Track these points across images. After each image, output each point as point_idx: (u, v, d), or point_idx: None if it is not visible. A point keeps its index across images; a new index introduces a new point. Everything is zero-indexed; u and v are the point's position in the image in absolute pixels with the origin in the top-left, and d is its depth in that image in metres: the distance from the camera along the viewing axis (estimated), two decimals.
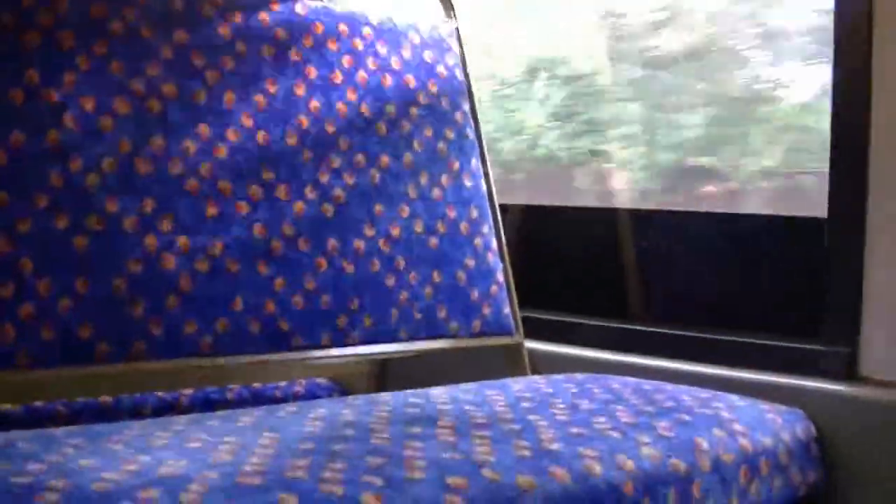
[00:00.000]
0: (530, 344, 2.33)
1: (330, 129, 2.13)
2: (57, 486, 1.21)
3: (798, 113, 2.33)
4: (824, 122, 2.02)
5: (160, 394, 2.14)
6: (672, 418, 1.69)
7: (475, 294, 2.26)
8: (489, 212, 2.35)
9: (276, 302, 1.98)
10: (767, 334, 2.11)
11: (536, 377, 2.10)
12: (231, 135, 1.99)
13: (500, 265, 2.33)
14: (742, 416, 1.76)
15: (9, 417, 1.95)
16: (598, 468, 1.46)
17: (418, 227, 2.21)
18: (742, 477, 1.64)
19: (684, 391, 1.89)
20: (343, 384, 2.44)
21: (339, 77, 2.16)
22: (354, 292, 2.08)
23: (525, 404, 1.76)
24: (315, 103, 2.12)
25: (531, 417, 1.66)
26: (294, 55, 2.11)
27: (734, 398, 1.86)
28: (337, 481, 1.29)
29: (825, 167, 2.01)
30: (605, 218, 2.60)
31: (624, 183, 2.64)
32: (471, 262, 2.27)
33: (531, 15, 2.81)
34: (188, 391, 2.18)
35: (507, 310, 2.31)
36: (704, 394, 1.87)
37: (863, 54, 1.92)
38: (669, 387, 1.93)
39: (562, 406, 1.75)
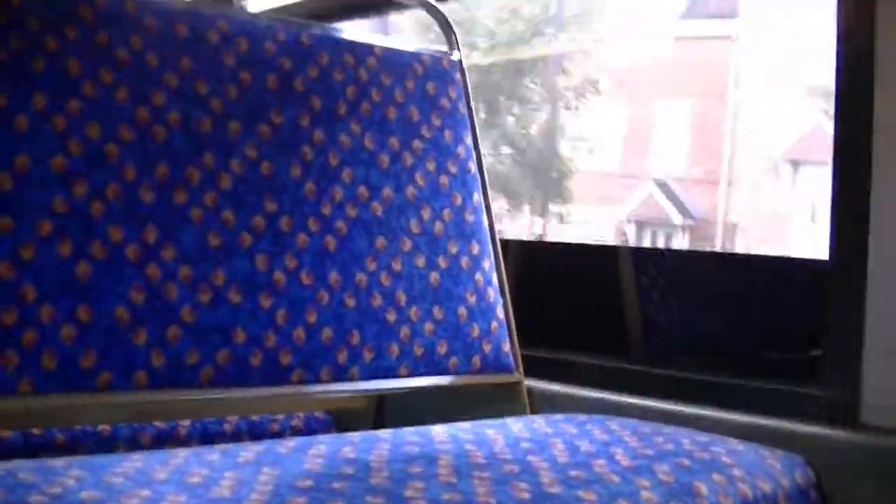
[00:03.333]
0: (530, 382, 2.31)
1: (333, 161, 2.12)
2: None
3: None
4: None
5: (158, 424, 2.13)
6: (671, 462, 1.68)
7: (475, 331, 2.25)
8: (490, 247, 2.34)
9: (278, 334, 1.97)
10: (767, 378, 2.11)
11: (536, 417, 2.09)
12: (235, 165, 1.99)
13: (501, 301, 2.32)
14: (741, 461, 1.76)
15: (6, 445, 1.93)
16: None
17: (420, 262, 2.20)
18: None
19: (683, 434, 1.88)
20: (340, 419, 2.43)
21: (342, 108, 2.16)
22: (355, 326, 2.07)
23: (524, 445, 1.75)
24: (319, 135, 2.11)
25: (531, 458, 1.66)
26: (299, 85, 2.11)
27: (733, 442, 1.86)
28: None
29: None
30: (606, 256, 2.61)
31: None
32: (472, 298, 2.26)
33: None
34: (186, 422, 2.17)
35: (507, 347, 2.29)
36: (703, 437, 1.87)
37: (865, 102, 1.93)
38: (668, 429, 1.93)
39: (561, 447, 1.74)
